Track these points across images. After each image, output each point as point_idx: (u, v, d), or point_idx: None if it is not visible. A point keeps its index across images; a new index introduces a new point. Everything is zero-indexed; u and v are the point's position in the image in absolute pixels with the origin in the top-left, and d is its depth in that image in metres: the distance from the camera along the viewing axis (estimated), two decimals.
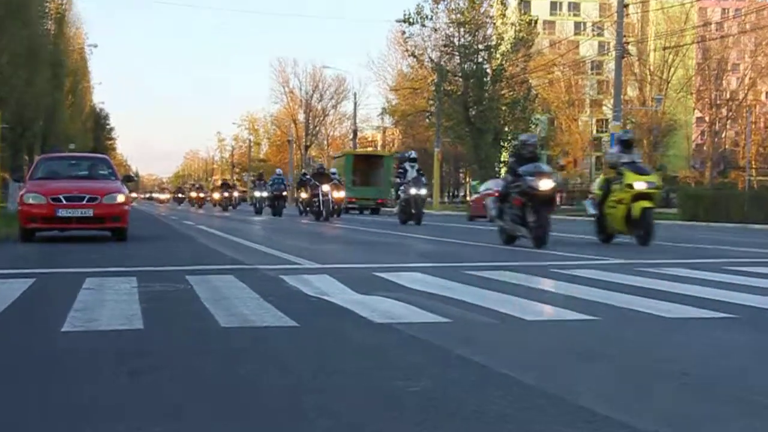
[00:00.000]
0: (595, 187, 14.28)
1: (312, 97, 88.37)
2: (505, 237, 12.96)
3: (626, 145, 13.90)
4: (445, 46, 48.58)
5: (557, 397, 3.30)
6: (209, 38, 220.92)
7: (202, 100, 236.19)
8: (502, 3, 48.60)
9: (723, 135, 66.95)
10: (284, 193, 34.50)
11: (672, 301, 6.05)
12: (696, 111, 69.26)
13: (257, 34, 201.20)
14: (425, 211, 24.46)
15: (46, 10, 38.54)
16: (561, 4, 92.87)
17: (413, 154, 23.80)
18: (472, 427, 2.94)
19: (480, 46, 47.93)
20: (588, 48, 70.17)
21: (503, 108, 47.57)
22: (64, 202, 13.20)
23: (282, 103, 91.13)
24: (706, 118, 66.51)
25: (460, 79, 48.10)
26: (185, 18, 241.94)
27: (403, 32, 49.37)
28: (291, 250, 11.50)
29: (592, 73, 75.65)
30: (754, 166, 60.76)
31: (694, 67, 64.96)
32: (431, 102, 51.51)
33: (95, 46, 63.97)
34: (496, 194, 13.49)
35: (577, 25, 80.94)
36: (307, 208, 31.00)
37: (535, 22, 53.93)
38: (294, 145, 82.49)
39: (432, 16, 48.04)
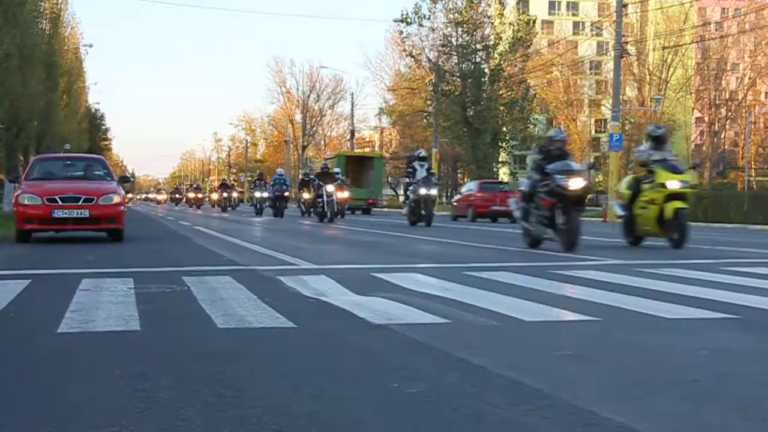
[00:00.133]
0: (623, 186, 13.42)
1: (309, 97, 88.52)
2: (529, 240, 12.29)
3: (658, 141, 13.03)
4: (442, 45, 48.84)
5: (558, 399, 3.27)
6: (206, 38, 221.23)
7: (199, 101, 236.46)
8: (500, 2, 48.73)
9: (722, 135, 66.99)
10: (286, 194, 33.95)
11: (672, 302, 6.01)
12: (695, 111, 69.22)
13: (254, 33, 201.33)
14: None
15: (41, 10, 38.46)
16: (559, 3, 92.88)
17: (423, 153, 23.13)
18: (471, 430, 2.91)
19: (478, 46, 48.13)
20: (586, 48, 70.18)
21: (501, 108, 47.85)
22: (60, 202, 13.19)
23: (279, 103, 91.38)
24: (706, 119, 66.52)
25: (458, 79, 48.36)
26: (181, 18, 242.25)
27: (401, 32, 49.85)
28: (293, 251, 11.44)
29: (591, 73, 75.72)
30: (753, 166, 60.77)
31: (694, 67, 64.93)
32: (429, 102, 51.76)
33: (90, 46, 63.92)
34: (519, 194, 12.73)
35: (575, 24, 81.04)
36: (311, 209, 30.79)
37: (534, 21, 53.82)
38: (291, 146, 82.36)
39: (430, 16, 48.63)
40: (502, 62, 47.73)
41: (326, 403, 3.24)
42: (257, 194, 37.37)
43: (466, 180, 54.37)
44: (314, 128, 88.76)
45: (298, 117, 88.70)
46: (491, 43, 48.12)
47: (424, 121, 56.75)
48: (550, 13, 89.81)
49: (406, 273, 8.15)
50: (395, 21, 49.07)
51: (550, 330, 5.05)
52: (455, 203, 33.37)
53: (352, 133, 66.16)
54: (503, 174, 57.14)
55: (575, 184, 11.30)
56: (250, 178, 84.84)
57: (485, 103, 47.34)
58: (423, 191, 21.41)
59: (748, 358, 4.25)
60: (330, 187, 25.49)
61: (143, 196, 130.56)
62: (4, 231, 15.21)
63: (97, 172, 15.03)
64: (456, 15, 48.14)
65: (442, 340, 4.53)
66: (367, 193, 42.42)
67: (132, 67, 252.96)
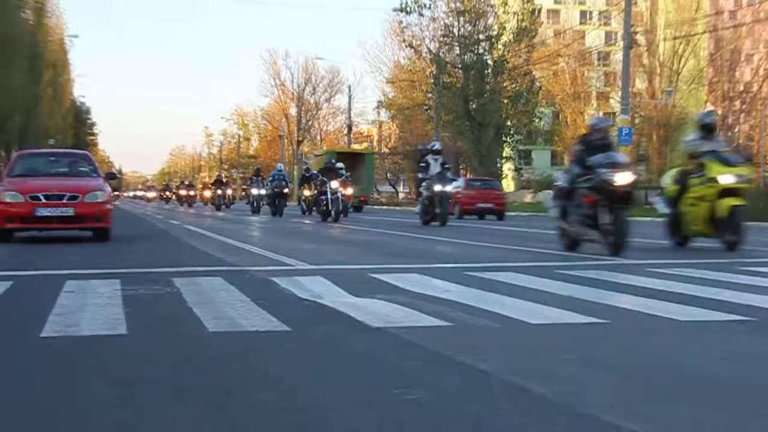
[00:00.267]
0: (668, 181, 12.57)
1: (304, 90, 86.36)
2: (567, 241, 11.30)
3: (707, 129, 12.10)
4: (444, 36, 48.89)
5: (565, 405, 3.24)
6: (197, 28, 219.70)
7: (189, 94, 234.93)
8: None
9: (736, 129, 66.38)
10: (285, 191, 32.21)
11: (684, 303, 6.00)
12: (708, 104, 68.46)
13: (247, 24, 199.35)
14: None
15: None
16: None
17: (437, 146, 21.58)
18: None
19: (481, 36, 48.11)
20: (594, 38, 69.56)
21: (505, 101, 48.04)
22: (44, 200, 13.11)
23: (273, 96, 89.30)
24: (719, 111, 65.53)
25: (460, 71, 48.41)
26: (170, 8, 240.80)
27: (400, 22, 51.53)
28: (289, 252, 11.35)
29: (599, 65, 75.40)
30: None
31: (706, 57, 64.50)
32: (430, 95, 52.30)
33: (76, 36, 63.12)
34: (554, 190, 11.83)
35: (582, 14, 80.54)
36: (312, 207, 29.56)
37: (539, 11, 54.80)
38: (285, 141, 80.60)
39: (430, 5, 49.10)
40: (505, 53, 47.58)
41: (322, 410, 3.25)
42: (254, 191, 35.86)
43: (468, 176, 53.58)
44: (310, 122, 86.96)
45: (293, 111, 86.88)
46: (494, 33, 47.77)
47: (425, 114, 56.54)
48: (556, 2, 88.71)
49: (406, 273, 8.06)
50: (394, 10, 50.17)
51: (556, 332, 4.98)
52: None
53: (350, 127, 65.34)
54: (507, 170, 56.70)
55: (623, 178, 10.32)
56: (242, 175, 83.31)
57: (488, 96, 47.15)
58: (437, 188, 20.02)
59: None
60: (335, 183, 23.73)
61: (131, 193, 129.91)
62: None
63: (82, 169, 14.93)
64: (458, 4, 48.20)
65: (443, 343, 4.51)
66: (358, 190, 41.82)
67: (119, 60, 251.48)
